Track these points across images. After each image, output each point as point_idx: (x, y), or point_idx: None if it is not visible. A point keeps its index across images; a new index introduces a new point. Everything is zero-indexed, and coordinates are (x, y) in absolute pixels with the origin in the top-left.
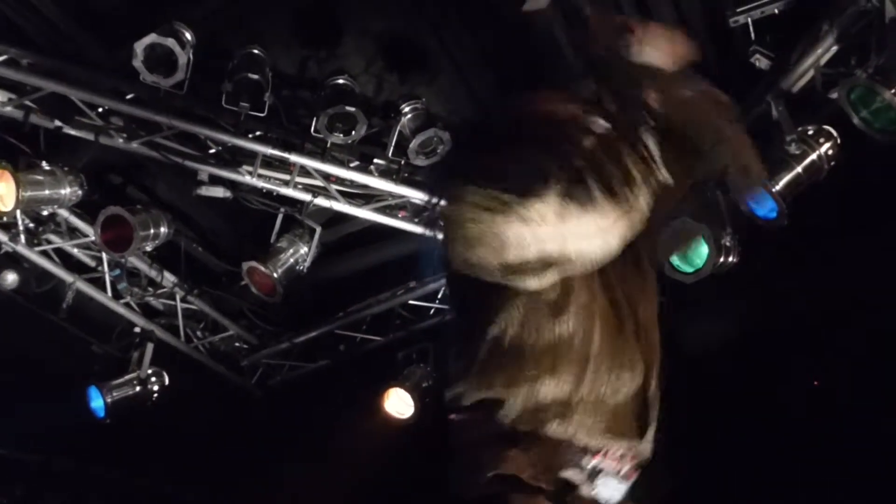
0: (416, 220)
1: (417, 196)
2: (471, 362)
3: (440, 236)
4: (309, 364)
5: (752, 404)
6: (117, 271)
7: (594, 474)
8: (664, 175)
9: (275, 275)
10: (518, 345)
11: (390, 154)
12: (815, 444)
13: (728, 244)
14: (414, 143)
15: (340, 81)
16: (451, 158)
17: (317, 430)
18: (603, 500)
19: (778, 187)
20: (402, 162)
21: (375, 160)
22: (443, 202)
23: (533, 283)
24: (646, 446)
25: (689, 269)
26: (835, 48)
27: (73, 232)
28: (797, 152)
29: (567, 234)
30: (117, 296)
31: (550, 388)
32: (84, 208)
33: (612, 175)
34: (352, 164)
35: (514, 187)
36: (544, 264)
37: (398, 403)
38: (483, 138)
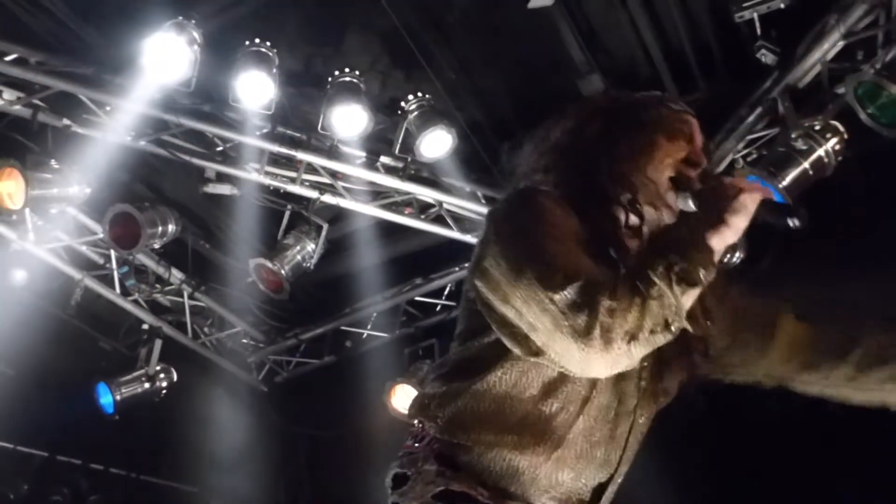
0: (422, 216)
1: (423, 193)
2: (446, 403)
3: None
4: (315, 360)
5: (755, 401)
6: (125, 268)
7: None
8: (679, 326)
9: (282, 272)
10: (497, 406)
11: (396, 151)
12: (822, 442)
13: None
14: (419, 141)
15: (346, 78)
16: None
17: (323, 426)
18: None
19: (784, 183)
20: (409, 159)
21: (382, 157)
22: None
23: (523, 352)
24: None
25: None
26: (841, 43)
27: (81, 229)
28: (803, 148)
29: (554, 341)
30: (125, 293)
31: (512, 457)
32: (92, 206)
33: (616, 326)
34: (358, 161)
35: (538, 266)
36: (531, 348)
37: (405, 399)
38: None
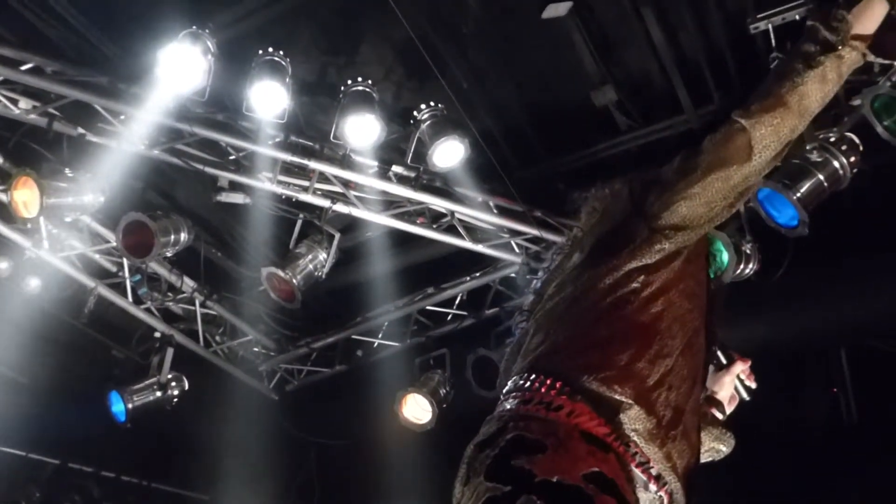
0: (434, 226)
1: (435, 202)
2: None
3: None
4: (326, 369)
5: (769, 413)
6: (138, 276)
7: (660, 502)
8: None
9: (294, 280)
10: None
11: (409, 160)
12: (832, 454)
13: (748, 251)
14: (432, 150)
15: (360, 87)
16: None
17: (334, 435)
18: None
19: (799, 195)
20: (421, 168)
21: (394, 167)
22: None
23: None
24: None
25: (709, 276)
26: None
27: (94, 238)
28: (818, 160)
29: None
30: (138, 301)
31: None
32: (106, 214)
33: None
34: (370, 171)
35: None
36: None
37: (415, 409)
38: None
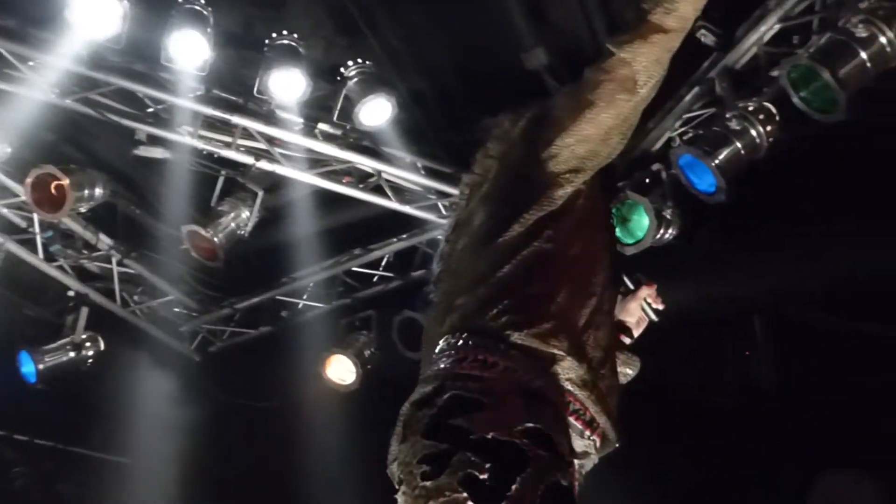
0: (361, 186)
1: (362, 162)
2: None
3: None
4: (250, 330)
5: (684, 377)
6: (50, 233)
7: (595, 449)
8: None
9: (215, 239)
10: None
11: (335, 118)
12: (746, 418)
13: (669, 217)
14: (359, 108)
15: (285, 41)
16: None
17: (258, 397)
18: (584, 472)
19: (717, 162)
20: (348, 126)
21: (320, 124)
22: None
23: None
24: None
25: (630, 241)
26: (778, 27)
27: (2, 191)
28: (737, 128)
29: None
30: (50, 258)
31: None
32: (14, 166)
33: None
34: (296, 128)
35: None
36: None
37: (340, 370)
38: None
